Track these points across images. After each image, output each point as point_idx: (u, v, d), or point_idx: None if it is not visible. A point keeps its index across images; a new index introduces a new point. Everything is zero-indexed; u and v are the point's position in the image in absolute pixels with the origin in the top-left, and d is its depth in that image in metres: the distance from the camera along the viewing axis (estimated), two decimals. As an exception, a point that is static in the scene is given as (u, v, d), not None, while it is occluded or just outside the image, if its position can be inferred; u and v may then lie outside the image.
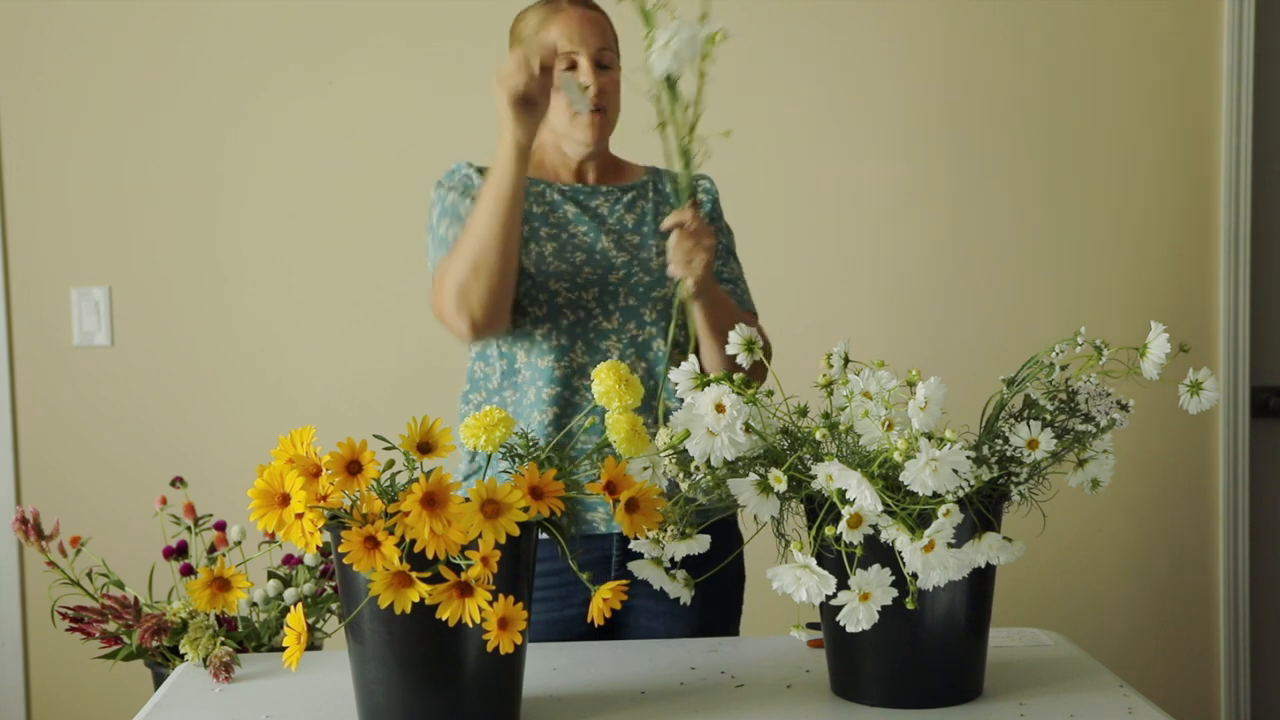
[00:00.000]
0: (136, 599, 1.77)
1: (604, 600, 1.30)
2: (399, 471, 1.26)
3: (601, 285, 1.87)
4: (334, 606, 1.85)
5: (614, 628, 1.89)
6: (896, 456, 1.27)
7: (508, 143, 1.72)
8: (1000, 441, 1.37)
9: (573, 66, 1.87)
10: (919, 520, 1.29)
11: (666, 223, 1.77)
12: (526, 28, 1.92)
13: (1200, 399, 1.41)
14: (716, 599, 1.91)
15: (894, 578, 1.30)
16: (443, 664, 1.28)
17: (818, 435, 1.34)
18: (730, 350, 1.57)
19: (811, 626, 1.52)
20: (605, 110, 1.89)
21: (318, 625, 1.85)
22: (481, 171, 1.91)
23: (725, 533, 1.75)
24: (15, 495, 2.68)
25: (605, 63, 1.89)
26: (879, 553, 1.30)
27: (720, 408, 1.35)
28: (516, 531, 1.22)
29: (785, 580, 1.30)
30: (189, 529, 1.96)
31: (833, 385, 1.42)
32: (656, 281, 1.90)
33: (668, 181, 2.01)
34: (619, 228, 1.93)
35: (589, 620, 1.30)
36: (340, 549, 1.21)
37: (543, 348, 1.85)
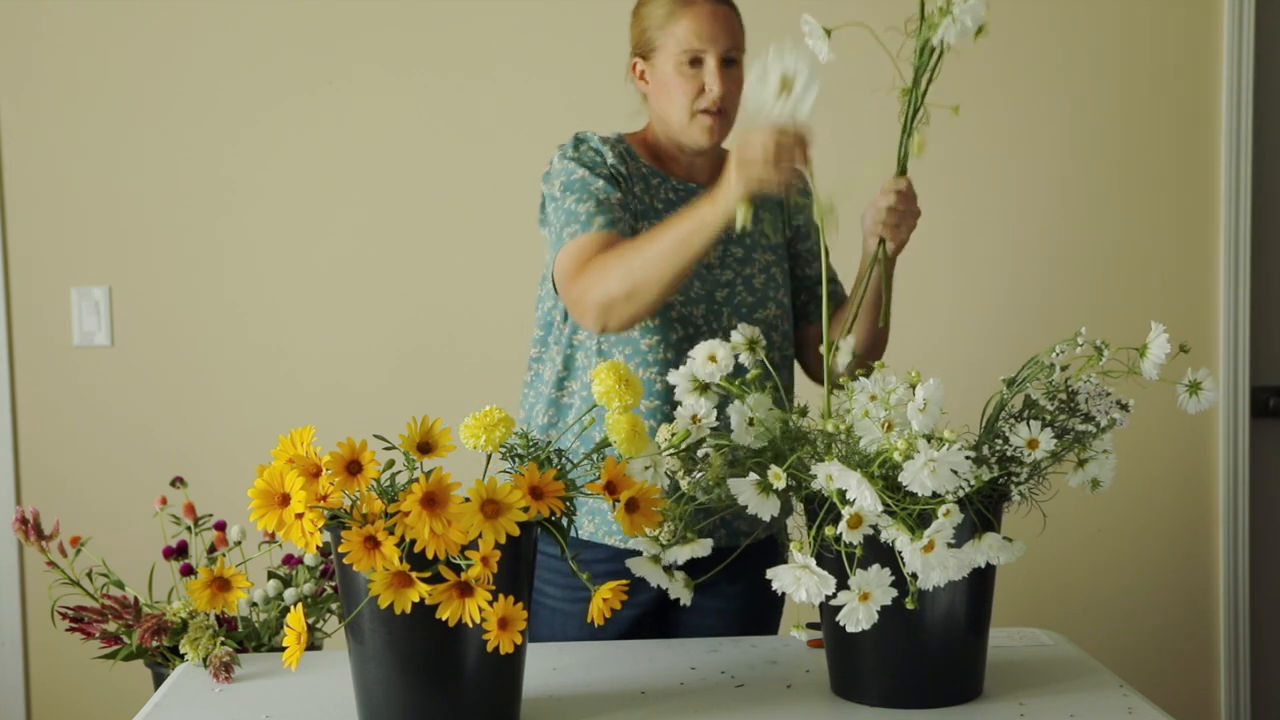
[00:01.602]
0: (136, 599, 1.77)
1: (604, 600, 1.30)
2: (399, 471, 1.26)
3: (708, 303, 1.84)
4: (334, 606, 1.85)
5: (666, 626, 1.90)
6: (896, 457, 1.27)
7: (722, 208, 1.61)
8: (1000, 441, 1.37)
9: (697, 63, 1.81)
10: (919, 520, 1.29)
11: (885, 186, 1.73)
12: (653, 16, 1.83)
13: (1200, 399, 1.42)
14: (764, 609, 1.93)
15: (894, 578, 1.30)
16: (443, 664, 1.28)
17: (828, 427, 1.34)
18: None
19: (811, 626, 1.52)
20: (727, 112, 1.83)
21: (318, 625, 1.85)
22: (607, 144, 1.84)
23: (772, 546, 1.74)
24: (15, 495, 2.68)
25: (733, 59, 1.82)
26: (879, 553, 1.31)
27: (696, 420, 1.41)
28: (516, 531, 1.22)
29: (785, 580, 1.30)
30: (189, 529, 1.96)
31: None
32: (759, 302, 1.88)
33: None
34: (725, 239, 1.87)
35: (600, 620, 1.30)
36: (340, 549, 1.21)
37: (647, 359, 1.81)
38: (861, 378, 1.37)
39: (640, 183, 1.86)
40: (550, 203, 1.84)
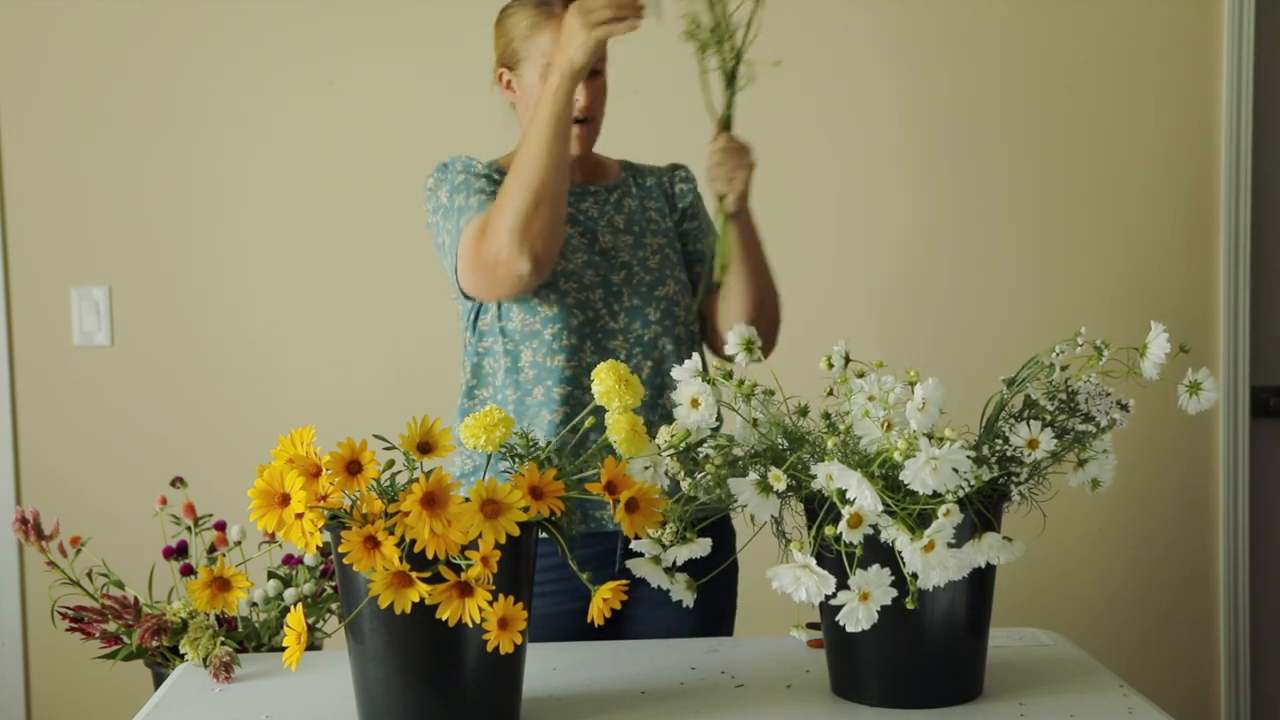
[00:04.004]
0: (136, 599, 1.77)
1: (604, 600, 1.30)
2: (399, 471, 1.26)
3: (605, 287, 1.89)
4: (334, 606, 1.85)
5: (616, 621, 1.89)
6: (896, 456, 1.27)
7: (567, 68, 1.72)
8: (1000, 441, 1.37)
9: None
10: (919, 520, 1.29)
11: (710, 145, 1.80)
12: (517, 28, 1.91)
13: (1199, 399, 1.42)
14: (715, 594, 1.92)
15: (894, 578, 1.30)
16: (443, 664, 1.28)
17: (830, 444, 1.33)
18: (730, 350, 1.57)
19: (811, 626, 1.52)
20: (594, 120, 1.90)
21: (318, 625, 1.85)
22: (475, 161, 1.92)
23: (720, 529, 1.76)
24: (15, 495, 2.68)
25: (597, 69, 1.88)
26: (879, 553, 1.30)
27: (695, 403, 1.40)
28: (516, 531, 1.22)
29: (785, 580, 1.30)
30: (189, 529, 1.96)
31: (835, 390, 1.42)
32: (658, 280, 1.92)
33: (646, 175, 2.03)
34: (612, 229, 1.93)
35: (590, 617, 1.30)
36: (340, 549, 1.21)
37: (552, 347, 1.85)
38: (858, 378, 1.37)
39: None
40: (439, 212, 1.89)
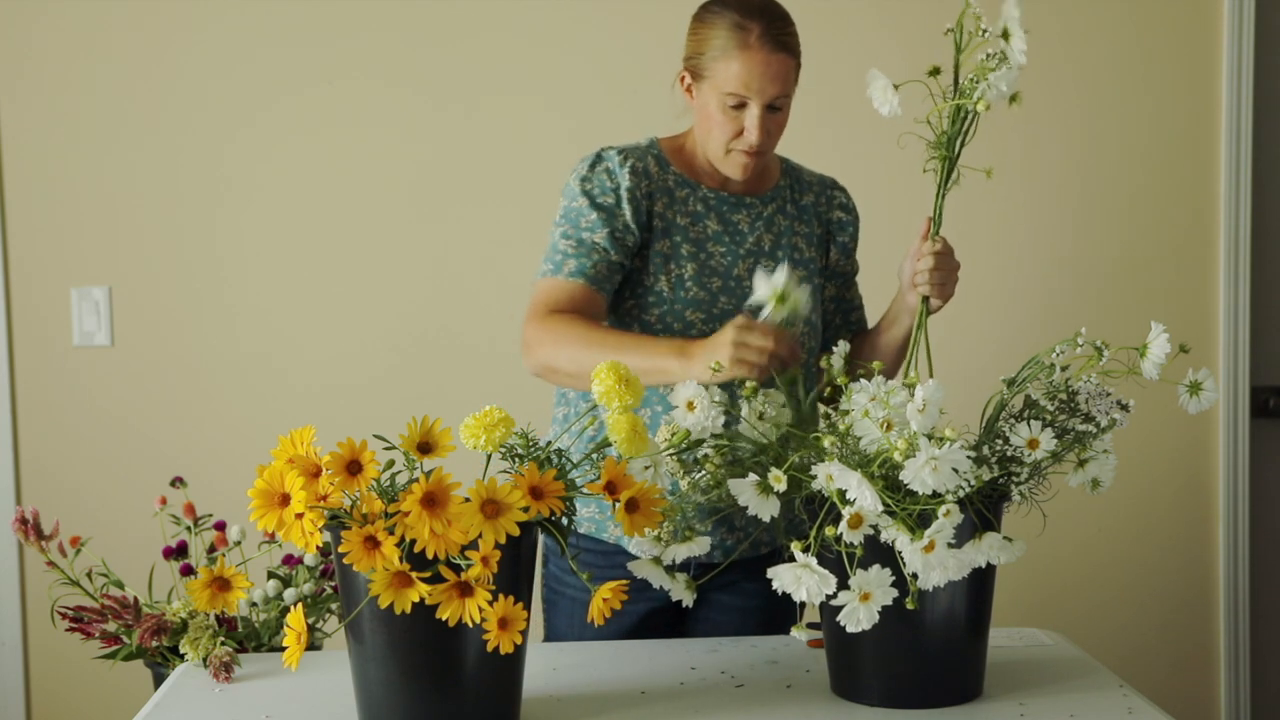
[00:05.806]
0: (136, 599, 1.77)
1: (604, 600, 1.30)
2: (399, 471, 1.26)
3: (736, 316, 1.81)
4: (334, 606, 1.85)
5: (679, 620, 1.90)
6: (896, 456, 1.27)
7: (682, 374, 1.60)
8: (1000, 441, 1.37)
9: (741, 105, 1.78)
10: (919, 520, 1.29)
11: (923, 248, 1.75)
12: (709, 44, 1.79)
13: (1200, 399, 1.42)
14: (787, 600, 1.92)
15: (894, 578, 1.30)
16: (443, 664, 1.28)
17: (825, 444, 1.33)
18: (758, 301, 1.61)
19: (811, 626, 1.52)
20: (763, 153, 1.83)
21: (318, 625, 1.85)
22: (626, 162, 1.82)
23: None
24: (15, 495, 2.68)
25: (778, 106, 1.81)
26: (879, 553, 1.31)
27: (691, 406, 1.42)
28: (516, 531, 1.22)
29: (785, 580, 1.30)
30: (189, 529, 1.96)
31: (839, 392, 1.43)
32: (787, 320, 1.87)
33: (806, 189, 1.98)
34: (756, 250, 1.87)
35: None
36: (340, 549, 1.21)
37: None
38: (862, 379, 1.37)
39: (664, 196, 1.85)
40: (553, 223, 1.84)
